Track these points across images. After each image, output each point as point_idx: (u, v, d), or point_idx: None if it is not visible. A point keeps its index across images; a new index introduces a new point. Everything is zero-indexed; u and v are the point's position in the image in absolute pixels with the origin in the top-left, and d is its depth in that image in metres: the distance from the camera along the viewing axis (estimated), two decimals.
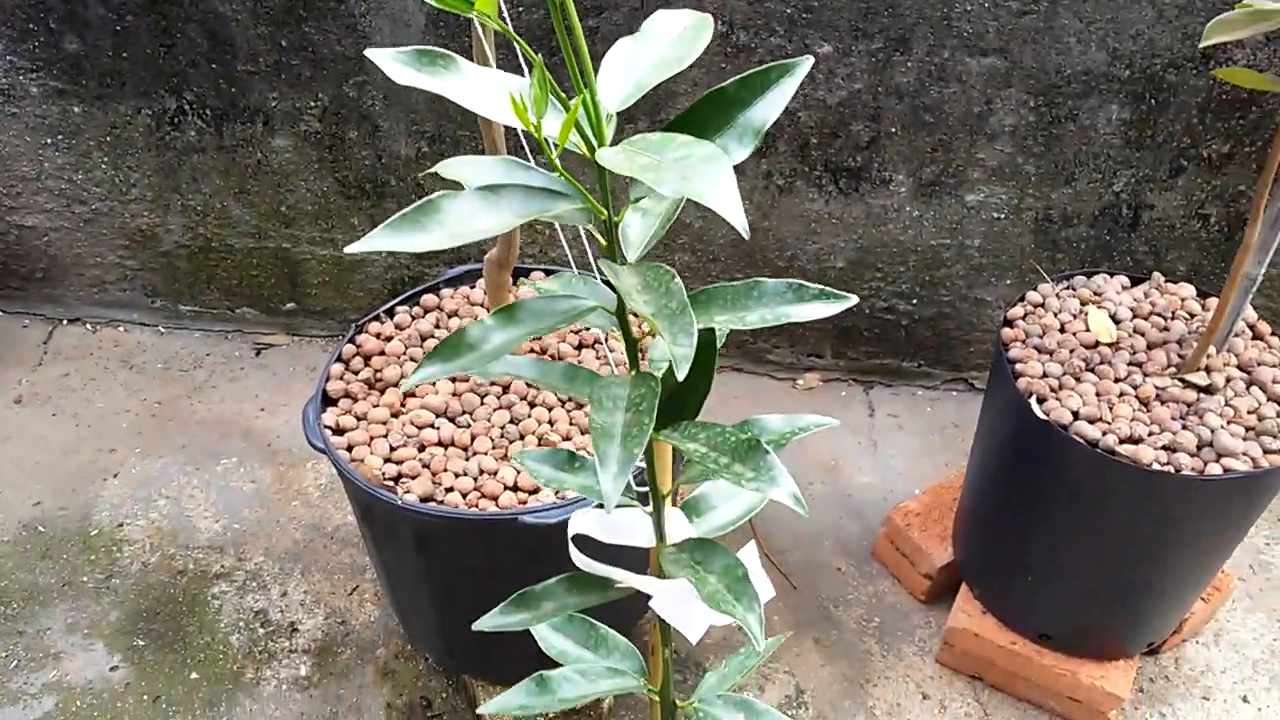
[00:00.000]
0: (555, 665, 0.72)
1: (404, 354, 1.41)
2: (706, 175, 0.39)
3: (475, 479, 1.26)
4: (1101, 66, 1.61)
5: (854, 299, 0.50)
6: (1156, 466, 1.25)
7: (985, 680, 1.58)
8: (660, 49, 0.47)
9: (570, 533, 0.62)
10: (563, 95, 0.44)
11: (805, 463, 1.91)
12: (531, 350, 1.42)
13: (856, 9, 1.59)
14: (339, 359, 1.41)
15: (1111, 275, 1.51)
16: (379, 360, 1.40)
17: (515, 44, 0.44)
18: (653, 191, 0.47)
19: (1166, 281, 1.51)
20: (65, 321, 2.14)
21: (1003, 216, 1.80)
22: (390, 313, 1.47)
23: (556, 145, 0.44)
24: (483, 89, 0.44)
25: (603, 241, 0.48)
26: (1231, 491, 1.27)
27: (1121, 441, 1.28)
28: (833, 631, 1.65)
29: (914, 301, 1.93)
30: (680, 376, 0.39)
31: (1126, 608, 1.44)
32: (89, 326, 2.13)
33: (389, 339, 1.43)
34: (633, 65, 0.47)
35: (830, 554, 1.76)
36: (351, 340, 1.43)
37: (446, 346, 0.46)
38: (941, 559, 1.63)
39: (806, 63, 0.49)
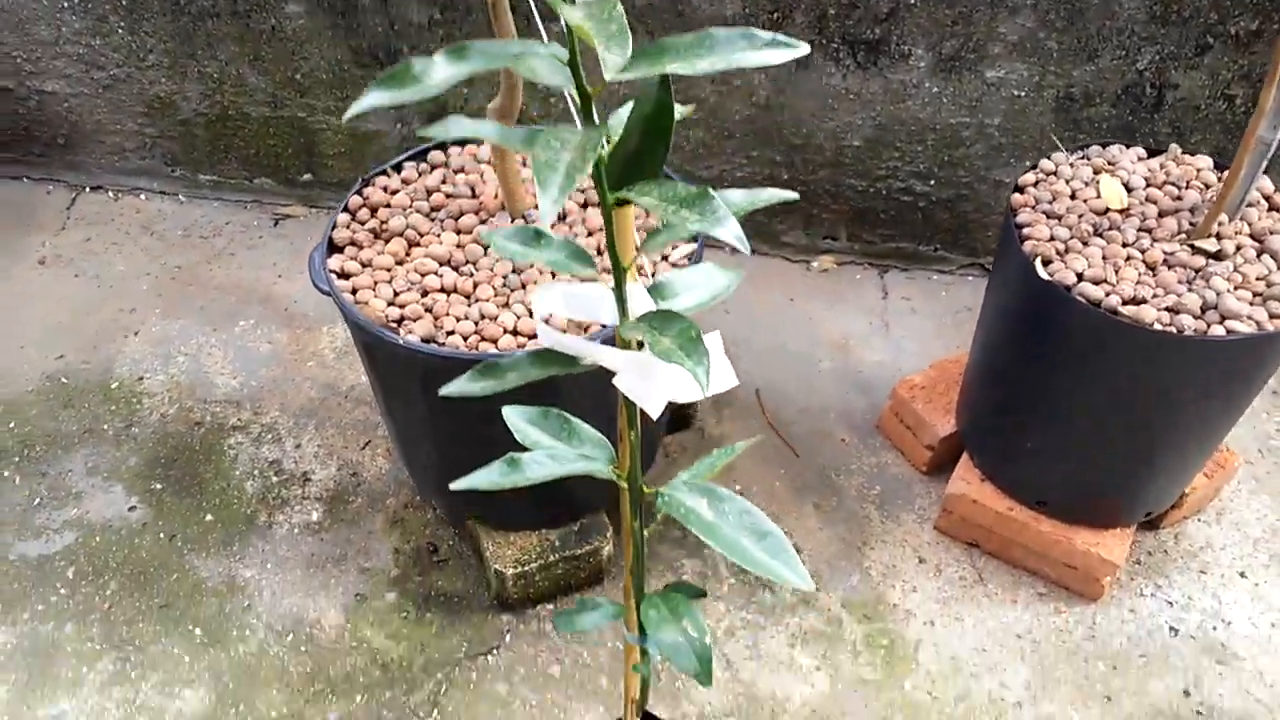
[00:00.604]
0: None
1: (410, 207, 1.42)
2: None
3: (476, 323, 1.28)
4: None
5: (806, 47, 0.50)
6: (1158, 327, 1.24)
7: (982, 547, 1.60)
8: None
9: (536, 312, 0.64)
10: None
11: (816, 340, 1.91)
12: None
13: None
14: (346, 209, 1.42)
15: (1128, 147, 1.49)
16: (385, 212, 1.42)
17: None
18: None
19: (1184, 154, 1.48)
20: (87, 189, 2.17)
21: (1023, 94, 1.77)
22: (398, 168, 1.48)
23: None
24: None
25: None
26: (1233, 354, 1.26)
27: (1125, 303, 1.27)
28: (833, 498, 1.67)
29: (931, 182, 1.91)
30: (608, 77, 0.39)
31: (1125, 475, 1.44)
32: (111, 194, 2.16)
33: (395, 192, 1.44)
34: None
35: (835, 426, 1.77)
36: (359, 192, 1.44)
37: (390, 78, 0.47)
38: (944, 430, 1.64)
39: None
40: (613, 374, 0.64)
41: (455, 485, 0.69)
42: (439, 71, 0.48)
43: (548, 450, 0.73)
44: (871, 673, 1.46)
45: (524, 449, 0.72)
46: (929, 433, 1.65)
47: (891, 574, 1.57)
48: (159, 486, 1.65)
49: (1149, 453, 1.39)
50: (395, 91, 0.47)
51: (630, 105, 0.54)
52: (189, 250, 2.05)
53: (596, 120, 0.54)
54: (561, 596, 1.53)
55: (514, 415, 0.77)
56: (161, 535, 1.59)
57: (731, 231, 0.50)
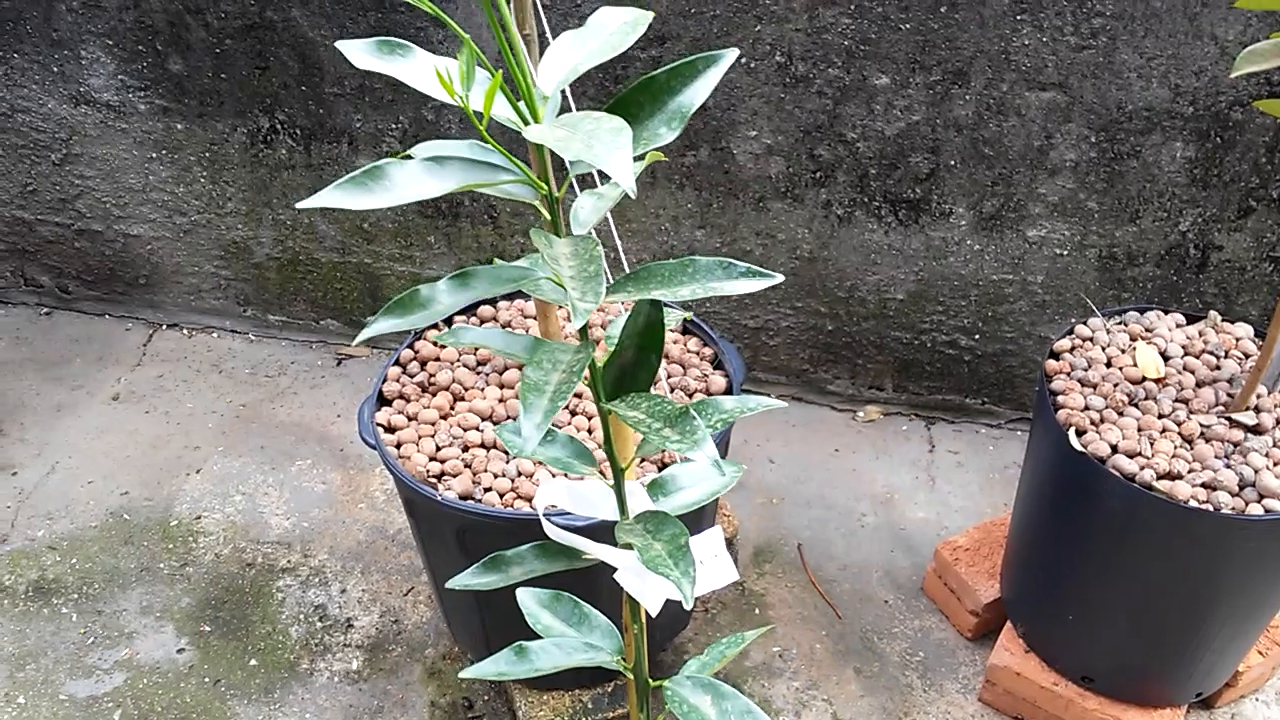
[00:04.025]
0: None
1: (457, 360, 1.48)
2: (606, 144, 0.43)
3: (513, 480, 1.32)
4: (1164, 103, 1.60)
5: (779, 277, 0.53)
6: (1194, 504, 1.23)
7: None
8: (599, 40, 0.51)
9: (539, 505, 0.66)
10: (498, 73, 0.50)
11: (859, 493, 1.91)
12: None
13: (914, 41, 1.62)
14: (397, 363, 1.48)
15: (1166, 312, 1.49)
16: (434, 366, 1.47)
17: (451, 28, 0.49)
18: (590, 177, 0.51)
19: (1224, 321, 1.48)
20: (164, 326, 2.28)
21: (1066, 253, 1.79)
22: (448, 322, 1.54)
23: (483, 116, 0.49)
24: (427, 70, 0.49)
25: (546, 216, 0.53)
26: (1273, 533, 1.23)
27: (1159, 477, 1.26)
28: (875, 663, 1.64)
29: (976, 337, 1.92)
30: (576, 325, 0.42)
31: (1171, 653, 1.40)
32: (185, 331, 2.27)
33: (444, 346, 1.50)
34: (572, 53, 0.52)
35: (878, 586, 1.75)
36: (410, 346, 1.50)
37: (399, 304, 0.51)
38: (988, 595, 1.61)
39: (730, 54, 0.53)
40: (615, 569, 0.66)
41: (465, 674, 0.71)
42: (443, 298, 0.52)
43: (555, 640, 0.74)
44: None
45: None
46: (972, 598, 1.62)
47: None
48: (208, 628, 1.69)
49: (1194, 630, 1.35)
50: (403, 318, 0.51)
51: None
52: (255, 389, 2.14)
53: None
54: None
55: (527, 598, 0.78)
56: (206, 679, 1.62)
57: (707, 454, 0.53)
